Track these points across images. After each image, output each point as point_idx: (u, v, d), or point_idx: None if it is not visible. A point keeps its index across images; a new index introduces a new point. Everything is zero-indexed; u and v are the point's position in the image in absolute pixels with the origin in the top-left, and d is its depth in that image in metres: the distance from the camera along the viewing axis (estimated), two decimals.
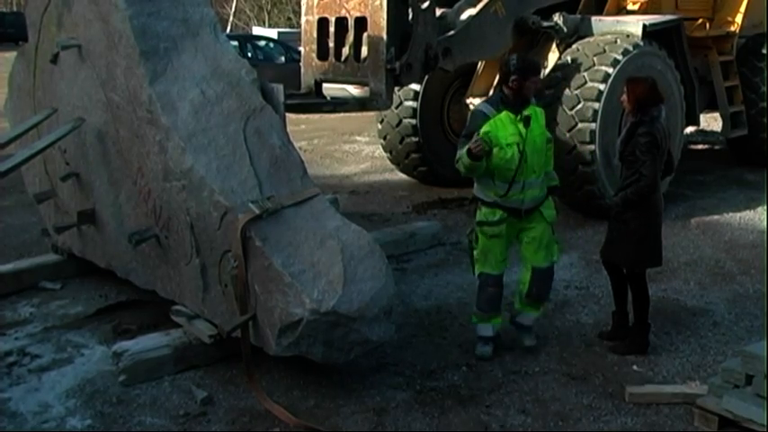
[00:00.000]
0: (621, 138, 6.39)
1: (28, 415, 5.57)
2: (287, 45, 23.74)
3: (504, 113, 6.05)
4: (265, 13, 55.46)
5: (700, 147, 15.63)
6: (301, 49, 9.36)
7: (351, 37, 8.68)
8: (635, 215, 6.31)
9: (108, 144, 6.75)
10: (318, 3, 8.89)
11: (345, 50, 8.80)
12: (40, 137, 7.29)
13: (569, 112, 9.75)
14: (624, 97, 6.37)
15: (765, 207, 10.71)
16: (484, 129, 6.00)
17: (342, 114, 14.54)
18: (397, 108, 11.62)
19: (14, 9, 59.86)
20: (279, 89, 6.66)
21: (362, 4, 8.47)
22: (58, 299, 7.63)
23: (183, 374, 6.08)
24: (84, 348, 6.59)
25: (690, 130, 12.99)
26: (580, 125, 9.69)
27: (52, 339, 6.76)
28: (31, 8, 7.74)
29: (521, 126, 6.01)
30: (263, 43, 24.74)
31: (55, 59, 6.99)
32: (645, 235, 6.34)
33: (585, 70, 9.85)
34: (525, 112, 6.03)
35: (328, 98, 9.36)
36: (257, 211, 5.68)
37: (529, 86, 6.11)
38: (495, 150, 5.97)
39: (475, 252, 6.36)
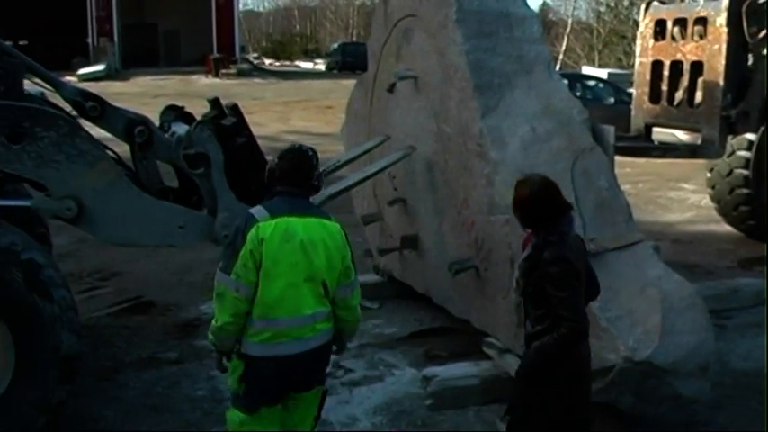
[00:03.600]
0: (519, 264, 4.43)
1: (337, 425, 5.86)
2: (616, 86, 23.42)
3: None
4: (596, 53, 55.18)
5: None
6: (632, 90, 9.27)
7: (685, 81, 8.51)
8: (553, 376, 4.28)
9: (436, 173, 6.95)
10: (653, 45, 8.77)
11: (678, 95, 8.63)
12: (372, 162, 7.62)
13: None
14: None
15: None
16: None
17: (668, 160, 14.14)
18: (728, 157, 11.09)
19: (354, 40, 63.98)
20: (610, 131, 6.59)
21: (700, 49, 8.28)
22: (374, 318, 7.92)
23: (489, 407, 6.11)
24: (394, 368, 6.81)
25: None
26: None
27: (366, 356, 7.04)
28: (374, 40, 8.17)
29: None
30: (592, 83, 24.52)
31: (392, 89, 7.31)
32: (569, 407, 4.33)
33: None
34: None
35: (656, 143, 9.19)
36: None
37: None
38: None
39: None
